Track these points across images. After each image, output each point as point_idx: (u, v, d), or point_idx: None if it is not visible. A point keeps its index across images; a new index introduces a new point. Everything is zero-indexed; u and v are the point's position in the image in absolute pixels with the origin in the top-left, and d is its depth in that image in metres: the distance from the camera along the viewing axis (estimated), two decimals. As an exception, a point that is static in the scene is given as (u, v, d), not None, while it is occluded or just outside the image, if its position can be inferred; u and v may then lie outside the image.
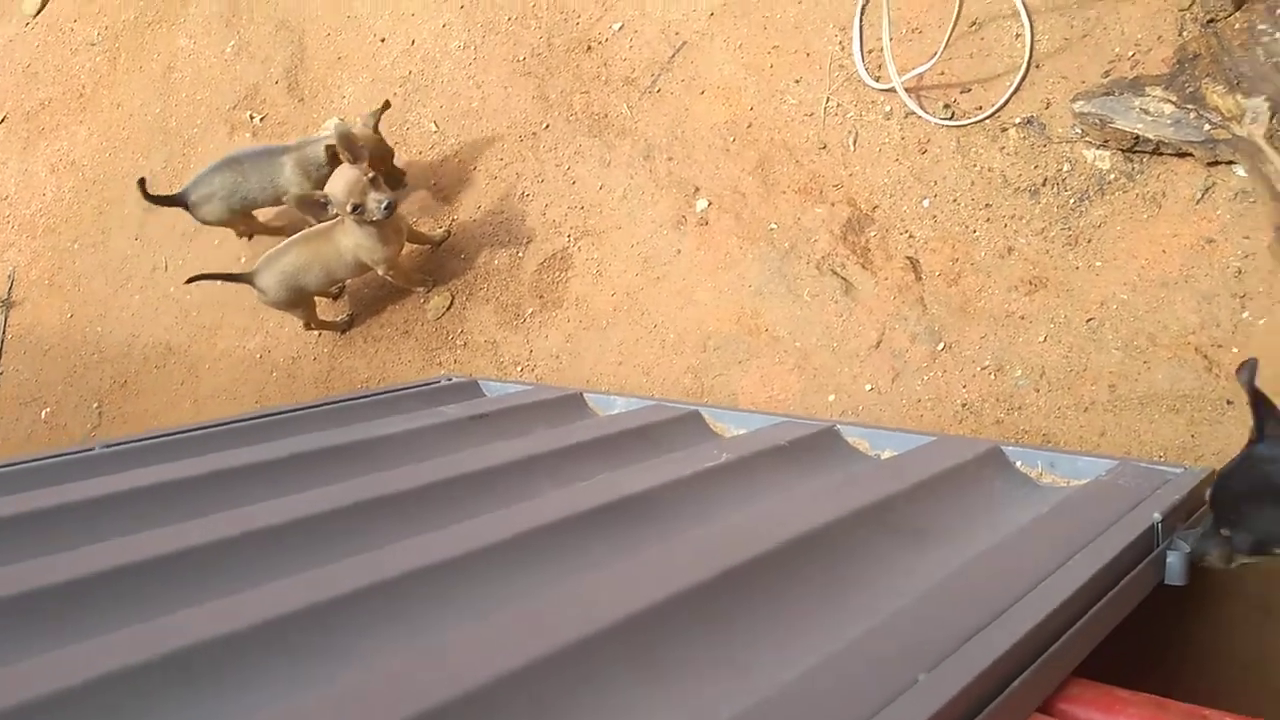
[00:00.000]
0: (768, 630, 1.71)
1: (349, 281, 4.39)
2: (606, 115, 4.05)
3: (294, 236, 4.06)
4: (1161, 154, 2.92)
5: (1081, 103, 3.01)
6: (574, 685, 1.50)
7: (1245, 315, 2.70)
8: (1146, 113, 2.87)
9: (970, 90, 3.30)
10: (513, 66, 4.40)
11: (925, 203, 3.27)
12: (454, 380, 3.59)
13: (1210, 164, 2.83)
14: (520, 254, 4.05)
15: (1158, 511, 2.04)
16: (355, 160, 3.68)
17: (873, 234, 3.33)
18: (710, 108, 3.82)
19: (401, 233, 3.99)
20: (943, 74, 3.34)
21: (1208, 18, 2.90)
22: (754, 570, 1.82)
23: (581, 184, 4.00)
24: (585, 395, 3.27)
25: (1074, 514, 2.10)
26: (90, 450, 2.69)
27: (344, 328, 4.39)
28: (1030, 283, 3.02)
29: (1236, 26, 2.82)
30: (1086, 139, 3.05)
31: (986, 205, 3.16)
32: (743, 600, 1.75)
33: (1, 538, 2.07)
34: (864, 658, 1.55)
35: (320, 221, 3.94)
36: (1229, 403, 2.61)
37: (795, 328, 3.35)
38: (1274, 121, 2.66)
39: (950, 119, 3.30)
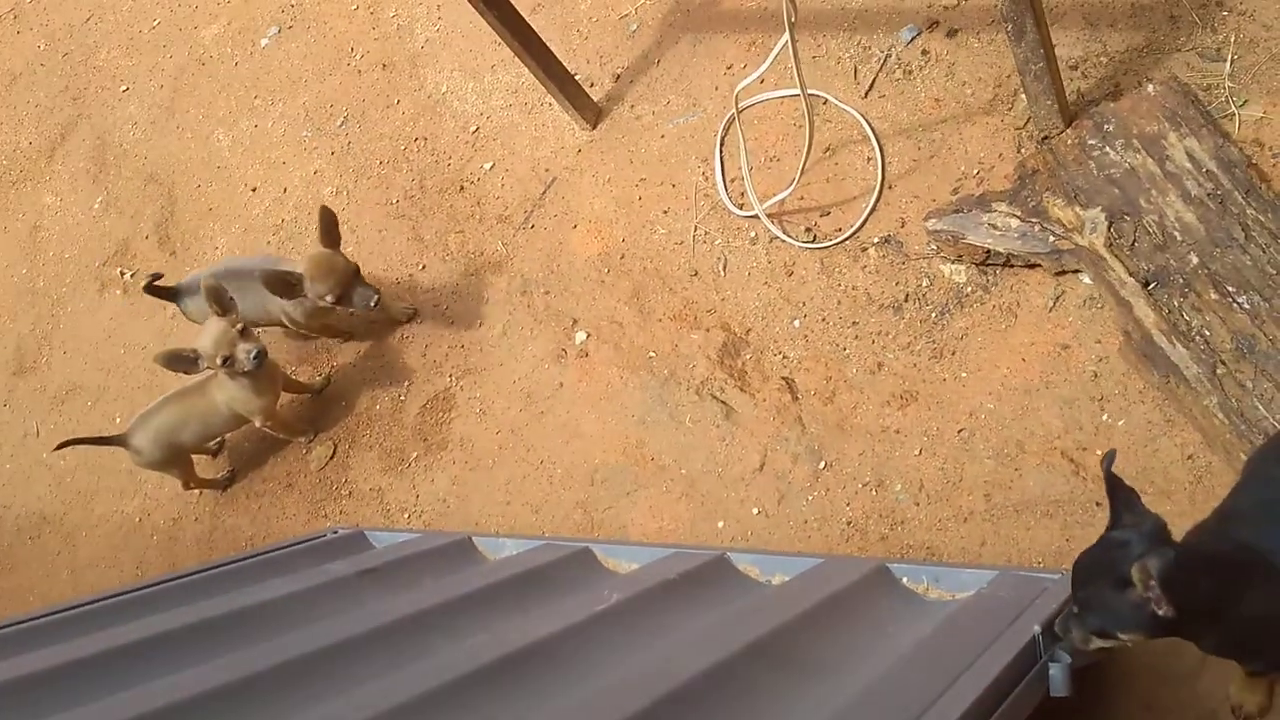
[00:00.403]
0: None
1: (228, 436, 4.29)
2: (482, 252, 4.09)
3: (166, 394, 3.97)
4: (1013, 266, 3.05)
5: (934, 220, 3.14)
6: None
7: (1105, 417, 2.80)
8: (995, 227, 3.01)
9: (829, 213, 3.42)
10: (386, 209, 4.42)
11: (796, 323, 3.35)
12: (340, 533, 3.51)
13: (1058, 273, 2.97)
14: (402, 397, 4.02)
15: (1037, 624, 2.07)
16: (224, 311, 3.63)
17: (748, 356, 3.39)
18: (584, 241, 3.89)
19: (276, 381, 3.94)
20: (802, 199, 3.46)
21: (1042, 135, 3.07)
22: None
23: (460, 322, 4.00)
24: (474, 539, 3.22)
25: (957, 634, 2.13)
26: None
27: (225, 485, 4.27)
28: (901, 397, 3.10)
29: (1069, 142, 2.99)
30: (942, 255, 3.17)
31: (854, 323, 3.25)
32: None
33: None
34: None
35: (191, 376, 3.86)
36: (1098, 504, 2.69)
37: (680, 455, 3.38)
38: (1111, 231, 2.81)
39: (812, 241, 3.41)
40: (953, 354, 3.08)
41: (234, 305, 3.67)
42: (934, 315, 3.15)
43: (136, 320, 4.88)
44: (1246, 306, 2.61)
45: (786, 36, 2.83)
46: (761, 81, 3.19)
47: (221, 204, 4.91)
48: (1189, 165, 2.80)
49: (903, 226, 3.29)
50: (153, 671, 2.25)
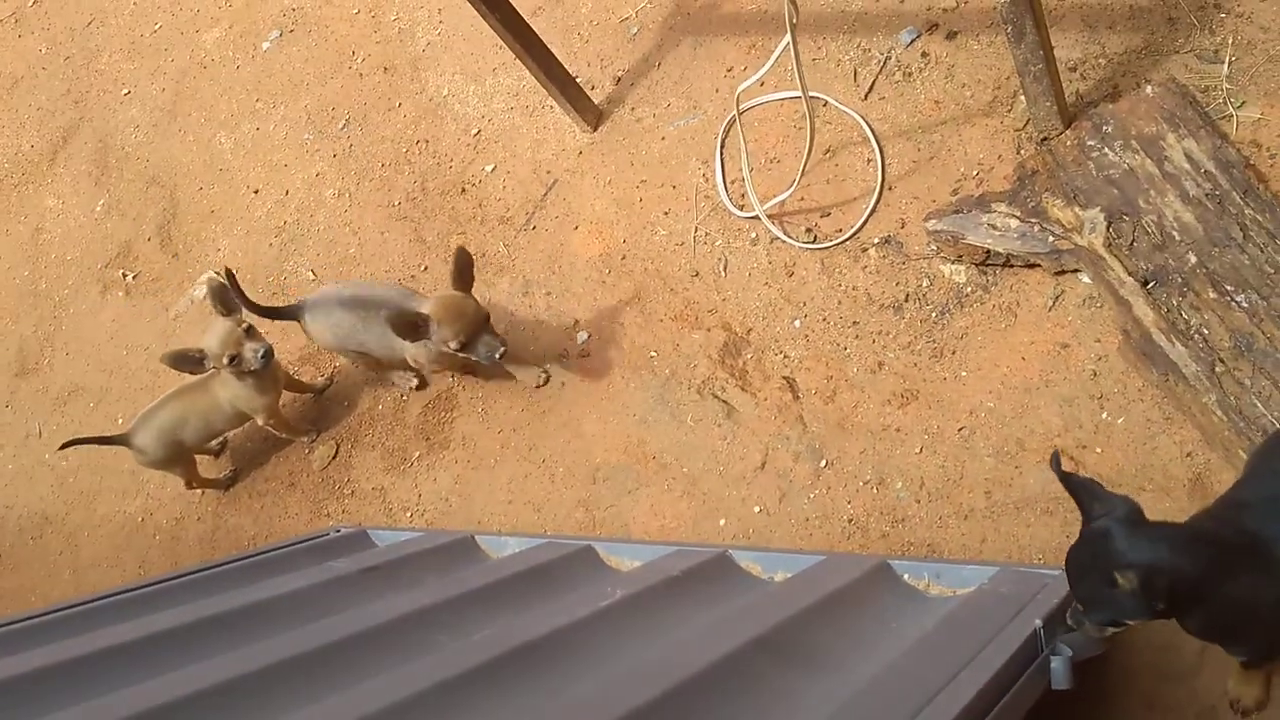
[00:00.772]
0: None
1: (231, 436, 4.31)
2: (484, 254, 4.10)
3: (169, 391, 3.98)
4: (1012, 266, 3.08)
5: (934, 221, 3.16)
6: None
7: (1104, 415, 2.82)
8: (994, 228, 3.03)
9: (830, 214, 3.44)
10: (388, 211, 4.44)
11: (796, 323, 3.37)
12: (343, 531, 3.53)
13: (1058, 273, 2.99)
14: (404, 396, 4.03)
15: (1038, 618, 2.09)
16: (227, 312, 3.65)
17: (749, 356, 3.41)
18: (585, 242, 3.91)
19: (279, 380, 3.95)
20: (802, 200, 3.49)
21: (1041, 136, 3.10)
22: (652, 714, 1.81)
23: (463, 323, 4.01)
24: (476, 538, 3.24)
25: (959, 628, 2.15)
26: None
27: (227, 484, 4.28)
28: (902, 396, 3.12)
29: (1068, 143, 3.01)
30: (942, 255, 3.19)
31: (854, 323, 3.27)
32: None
33: None
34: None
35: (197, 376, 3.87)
36: (1098, 501, 2.71)
37: (682, 454, 3.39)
38: (1110, 231, 2.83)
39: (813, 242, 3.43)
40: (953, 353, 3.10)
41: (238, 306, 3.69)
42: (934, 315, 3.17)
43: (138, 321, 4.89)
44: (1244, 305, 2.63)
45: (788, 38, 2.85)
46: (762, 84, 3.22)
47: (223, 206, 4.93)
48: (1187, 166, 2.83)
49: (903, 227, 3.31)
50: (155, 668, 2.25)
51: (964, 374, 3.06)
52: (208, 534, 4.25)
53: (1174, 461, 2.72)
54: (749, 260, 3.54)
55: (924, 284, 3.21)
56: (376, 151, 4.60)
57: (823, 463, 3.17)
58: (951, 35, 3.47)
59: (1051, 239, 2.93)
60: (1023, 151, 3.18)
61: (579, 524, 3.47)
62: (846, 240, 3.38)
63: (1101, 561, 1.85)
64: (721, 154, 3.73)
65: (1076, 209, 2.90)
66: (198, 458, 4.23)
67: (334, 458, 4.08)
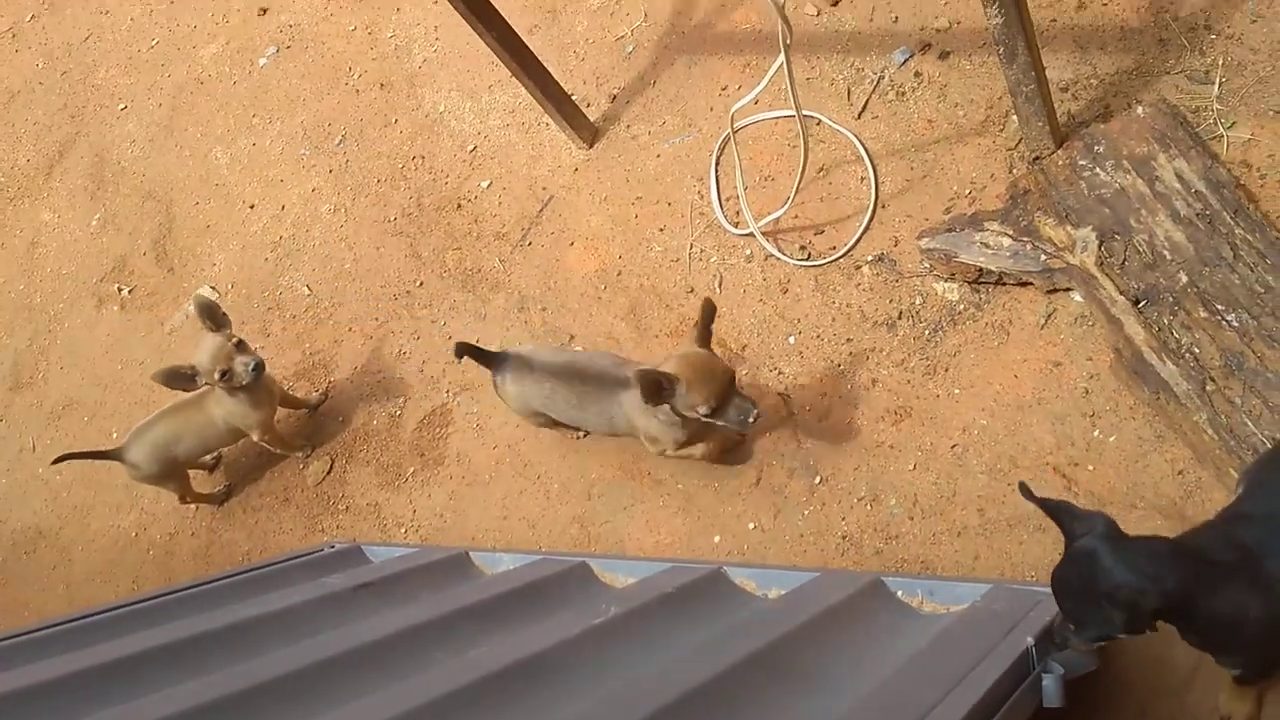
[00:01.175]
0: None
1: (225, 451, 4.31)
2: (479, 270, 4.12)
3: (163, 407, 3.98)
4: (1005, 284, 3.09)
5: (927, 239, 3.18)
6: None
7: (1096, 433, 2.84)
8: (987, 246, 3.05)
9: (824, 231, 3.46)
10: (384, 227, 4.46)
11: (791, 340, 3.38)
12: (337, 547, 3.53)
13: (1050, 291, 3.01)
14: (399, 413, 4.04)
15: (1030, 636, 2.11)
16: (217, 327, 3.65)
17: (744, 372, 3.42)
18: (580, 258, 3.92)
19: (274, 395, 3.96)
20: (796, 217, 3.51)
21: (1033, 156, 3.12)
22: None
23: (458, 338, 4.00)
24: (471, 554, 3.25)
25: (952, 645, 2.16)
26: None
27: (221, 499, 4.28)
28: (896, 413, 3.13)
29: (1060, 163, 3.04)
30: (935, 273, 3.21)
31: (848, 340, 3.29)
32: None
33: None
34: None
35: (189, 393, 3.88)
36: (1090, 518, 2.72)
37: (677, 470, 3.40)
38: (1102, 250, 2.86)
39: (807, 259, 3.45)
40: (946, 370, 3.11)
41: (227, 320, 3.69)
42: (927, 332, 3.18)
43: (133, 336, 4.90)
44: (1235, 324, 2.65)
45: (782, 58, 2.88)
46: (756, 102, 3.23)
47: (219, 221, 4.94)
48: (1178, 185, 2.85)
49: (896, 245, 3.33)
50: (148, 685, 2.25)
51: (957, 391, 3.07)
52: (201, 549, 4.25)
53: (1165, 479, 2.73)
54: (744, 277, 3.55)
55: (917, 301, 3.23)
56: (372, 167, 4.62)
57: (817, 479, 3.18)
58: (944, 55, 3.50)
59: (1044, 257, 2.95)
60: (1015, 170, 3.20)
61: (574, 540, 3.48)
62: (840, 258, 3.40)
63: (1089, 581, 1.88)
64: (716, 171, 3.75)
65: (1068, 228, 2.92)
66: (192, 473, 4.22)
67: (328, 473, 4.08)
